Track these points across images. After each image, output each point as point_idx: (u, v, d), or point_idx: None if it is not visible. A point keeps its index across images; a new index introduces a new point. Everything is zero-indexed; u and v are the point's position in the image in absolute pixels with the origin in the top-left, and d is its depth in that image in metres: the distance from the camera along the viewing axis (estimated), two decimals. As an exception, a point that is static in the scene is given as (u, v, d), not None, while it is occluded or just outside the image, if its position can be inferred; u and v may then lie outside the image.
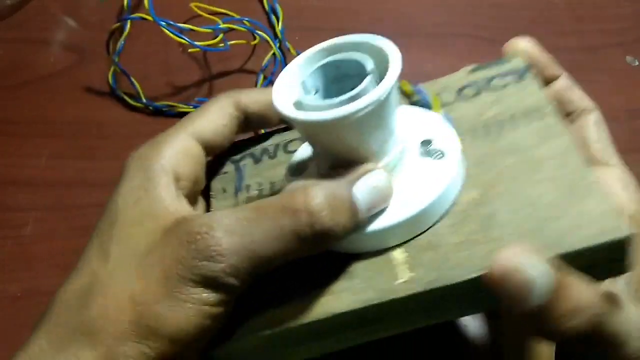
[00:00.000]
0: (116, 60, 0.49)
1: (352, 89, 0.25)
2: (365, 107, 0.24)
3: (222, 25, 0.48)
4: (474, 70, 0.34)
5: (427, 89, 0.33)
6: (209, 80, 0.52)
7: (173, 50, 0.53)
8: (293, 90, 0.26)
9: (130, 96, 0.49)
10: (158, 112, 0.49)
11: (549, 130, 0.28)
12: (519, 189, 0.26)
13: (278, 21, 0.53)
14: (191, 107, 0.49)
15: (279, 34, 0.52)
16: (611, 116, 0.50)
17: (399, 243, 0.25)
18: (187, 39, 0.46)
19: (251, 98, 0.31)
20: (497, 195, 0.26)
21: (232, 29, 0.48)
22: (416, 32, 0.55)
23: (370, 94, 0.24)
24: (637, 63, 0.53)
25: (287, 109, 0.25)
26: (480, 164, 0.27)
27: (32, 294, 0.41)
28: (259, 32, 0.49)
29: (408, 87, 0.33)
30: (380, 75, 0.25)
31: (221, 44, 0.47)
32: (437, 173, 0.26)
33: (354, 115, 0.24)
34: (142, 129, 0.48)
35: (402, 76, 0.51)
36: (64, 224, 0.44)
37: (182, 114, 0.49)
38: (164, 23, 0.45)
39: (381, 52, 0.27)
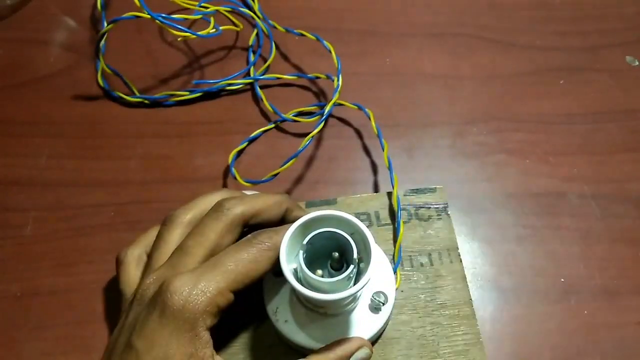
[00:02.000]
0: (100, 59, 0.49)
1: (341, 262, 0.34)
2: (353, 294, 0.31)
3: (209, 10, 0.49)
4: (406, 195, 0.44)
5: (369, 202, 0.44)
6: (200, 66, 0.52)
7: (157, 44, 0.53)
8: (292, 255, 0.33)
9: (125, 94, 0.49)
10: (156, 104, 0.49)
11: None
12: None
13: (254, 1, 0.54)
14: (188, 92, 0.49)
15: (258, 13, 0.53)
16: (610, 116, 0.50)
17: None
18: (184, 28, 0.46)
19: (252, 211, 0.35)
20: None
21: (219, 13, 0.51)
22: (415, 31, 0.55)
23: (359, 283, 0.31)
24: (637, 63, 0.53)
25: (302, 288, 0.31)
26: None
27: (32, 294, 0.41)
28: (243, 10, 0.52)
29: None
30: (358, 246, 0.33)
31: (213, 30, 0.48)
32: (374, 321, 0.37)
33: (345, 299, 0.32)
34: (142, 128, 0.48)
35: (405, 77, 0.52)
36: (63, 224, 0.44)
37: (183, 102, 0.50)
38: (161, 17, 0.45)
39: (359, 230, 0.33)
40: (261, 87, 0.50)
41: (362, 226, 0.33)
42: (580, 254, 0.43)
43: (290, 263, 0.33)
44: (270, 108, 0.48)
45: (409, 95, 0.51)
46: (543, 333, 0.40)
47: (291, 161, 0.42)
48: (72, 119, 0.49)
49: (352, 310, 0.37)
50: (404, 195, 0.44)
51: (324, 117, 0.45)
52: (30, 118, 0.49)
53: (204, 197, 0.38)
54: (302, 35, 0.50)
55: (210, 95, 0.50)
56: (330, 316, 0.36)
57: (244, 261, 0.32)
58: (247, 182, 0.43)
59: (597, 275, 0.42)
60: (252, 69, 0.51)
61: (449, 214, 0.43)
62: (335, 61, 0.47)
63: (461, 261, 0.41)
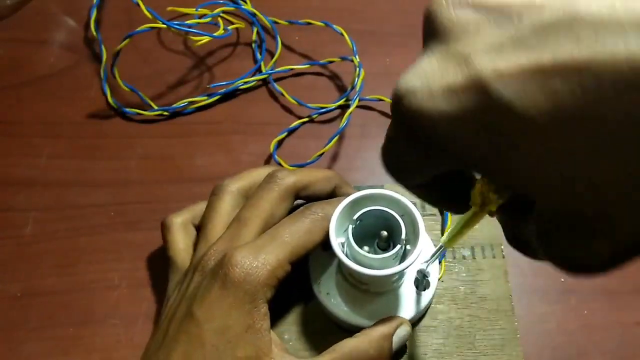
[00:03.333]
0: (117, 77, 0.48)
1: (389, 241, 0.35)
2: (398, 272, 0.33)
3: (216, 11, 0.50)
4: None
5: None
6: (208, 68, 0.52)
7: (157, 53, 0.53)
8: (341, 230, 0.34)
9: (141, 107, 0.49)
10: (176, 114, 0.49)
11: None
12: None
13: (246, 1, 0.54)
14: (206, 97, 0.49)
15: (256, 12, 0.53)
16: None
17: None
18: (206, 33, 0.47)
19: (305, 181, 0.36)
20: None
21: (226, 13, 0.52)
22: (416, 31, 0.54)
23: (405, 262, 0.32)
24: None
25: (348, 261, 0.33)
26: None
27: (32, 294, 0.41)
28: (246, 8, 0.52)
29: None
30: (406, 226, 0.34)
31: (224, 31, 0.49)
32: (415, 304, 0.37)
33: (390, 277, 0.34)
34: (141, 128, 0.48)
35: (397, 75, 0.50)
36: (63, 224, 0.44)
37: (203, 108, 0.49)
38: (177, 25, 0.46)
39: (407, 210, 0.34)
40: (275, 81, 0.50)
41: (414, 208, 0.34)
42: (580, 253, 0.43)
43: (339, 237, 0.34)
44: (293, 100, 0.48)
45: (409, 95, 0.51)
46: (543, 333, 0.40)
47: (334, 139, 0.43)
48: (72, 119, 0.49)
49: (394, 290, 0.37)
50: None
51: (357, 95, 0.46)
52: (30, 118, 0.49)
53: (251, 170, 0.39)
54: (309, 24, 0.50)
55: (226, 96, 0.50)
56: (372, 294, 0.37)
57: (299, 232, 0.33)
58: (292, 165, 0.44)
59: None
60: (262, 64, 0.51)
61: None
62: (349, 42, 0.48)
63: (504, 257, 0.41)
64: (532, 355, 0.39)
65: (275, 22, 0.53)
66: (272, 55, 0.52)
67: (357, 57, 0.48)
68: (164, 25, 0.45)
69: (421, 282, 0.38)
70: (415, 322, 0.38)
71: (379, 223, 0.35)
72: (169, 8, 0.49)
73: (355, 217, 0.34)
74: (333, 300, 0.37)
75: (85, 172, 0.46)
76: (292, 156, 0.46)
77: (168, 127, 0.48)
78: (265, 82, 0.51)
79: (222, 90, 0.49)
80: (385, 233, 0.35)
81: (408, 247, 0.34)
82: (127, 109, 0.48)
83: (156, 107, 0.49)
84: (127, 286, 0.41)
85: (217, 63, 0.52)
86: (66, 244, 0.43)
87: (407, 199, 0.34)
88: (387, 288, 0.37)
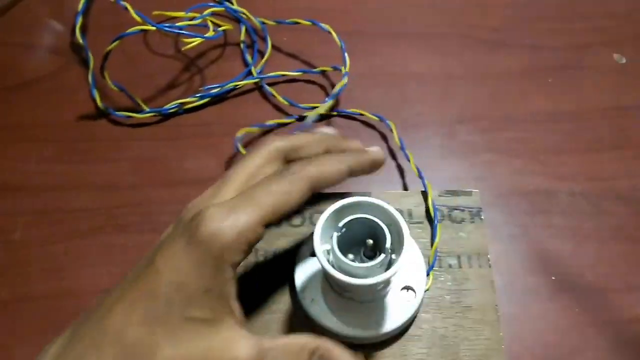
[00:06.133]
0: (107, 77, 0.48)
1: (375, 249, 0.35)
2: (385, 279, 0.32)
3: (206, 12, 0.50)
4: (441, 195, 0.44)
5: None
6: (199, 70, 0.52)
7: (144, 54, 0.53)
8: (326, 236, 0.34)
9: (131, 110, 0.49)
10: (169, 116, 0.49)
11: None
12: None
13: (232, 4, 0.54)
14: (196, 99, 0.49)
15: (245, 11, 0.53)
16: (599, 114, 0.50)
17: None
18: (192, 33, 0.47)
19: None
20: None
21: (214, 14, 0.52)
22: (405, 31, 0.55)
23: (388, 271, 0.32)
24: (624, 61, 0.53)
25: (331, 269, 0.32)
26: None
27: (21, 299, 0.41)
28: (235, 8, 0.52)
29: None
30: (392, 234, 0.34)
31: (213, 32, 0.49)
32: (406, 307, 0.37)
33: (374, 286, 0.32)
34: (131, 131, 0.48)
35: (395, 77, 0.51)
36: (53, 229, 0.43)
37: (193, 110, 0.49)
38: (166, 28, 0.45)
39: (391, 216, 0.34)
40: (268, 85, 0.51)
41: (399, 216, 0.33)
42: (571, 252, 0.43)
43: (324, 244, 0.33)
44: (284, 101, 0.49)
45: (399, 95, 0.51)
46: (535, 331, 0.40)
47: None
48: (60, 123, 0.48)
49: (380, 299, 0.37)
50: (439, 195, 0.44)
51: (337, 92, 0.46)
52: (18, 122, 0.48)
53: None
54: (297, 23, 0.50)
55: (216, 98, 0.50)
56: (357, 302, 0.37)
57: (276, 193, 0.31)
58: None
59: (588, 273, 0.42)
60: (252, 68, 0.51)
61: (482, 218, 0.43)
62: (337, 41, 0.48)
63: (490, 267, 0.41)
64: (524, 355, 0.39)
65: (264, 23, 0.53)
66: (261, 54, 0.52)
67: (346, 55, 0.48)
68: (154, 28, 0.44)
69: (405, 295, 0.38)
70: (401, 331, 0.38)
71: (364, 231, 0.34)
72: (155, 12, 0.49)
73: (340, 224, 0.34)
74: (318, 307, 0.37)
75: (74, 176, 0.46)
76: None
77: (158, 130, 0.48)
78: (256, 84, 0.51)
79: (214, 92, 0.49)
80: (371, 241, 0.34)
81: (393, 255, 0.33)
82: (117, 112, 0.48)
83: (147, 109, 0.48)
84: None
85: (206, 64, 0.52)
86: (56, 248, 0.43)
87: (393, 208, 0.33)
88: (372, 297, 0.37)
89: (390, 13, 0.56)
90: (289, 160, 0.34)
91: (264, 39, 0.53)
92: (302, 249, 0.40)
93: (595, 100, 0.51)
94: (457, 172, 0.47)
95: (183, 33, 0.47)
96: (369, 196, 0.34)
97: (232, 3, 0.54)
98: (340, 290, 0.36)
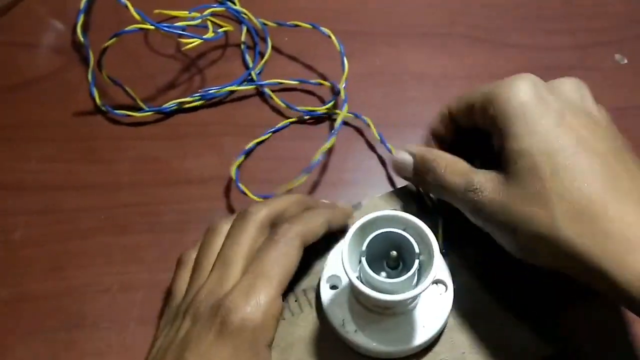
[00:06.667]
0: (104, 74, 0.48)
1: (403, 260, 0.34)
2: (417, 295, 0.32)
3: (206, 12, 0.49)
4: None
5: None
6: (199, 70, 0.52)
7: (145, 54, 0.53)
8: (353, 256, 0.33)
9: (130, 108, 0.49)
10: (169, 114, 0.49)
11: None
12: None
13: (234, 3, 0.54)
14: (196, 98, 0.49)
15: (247, 12, 0.53)
16: (600, 114, 0.50)
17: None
18: (195, 35, 0.47)
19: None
20: None
21: (215, 15, 0.52)
22: (405, 31, 0.55)
23: (421, 285, 0.31)
24: (625, 61, 0.53)
25: (362, 286, 0.31)
26: None
27: (21, 298, 0.41)
28: (236, 8, 0.52)
29: None
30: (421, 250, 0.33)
31: (213, 34, 0.48)
32: (441, 304, 0.36)
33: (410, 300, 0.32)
34: (131, 130, 0.48)
35: (395, 77, 0.51)
36: (54, 228, 0.43)
37: (192, 109, 0.49)
38: (166, 27, 0.45)
39: (421, 232, 0.33)
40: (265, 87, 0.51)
41: (418, 221, 0.33)
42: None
43: (352, 264, 0.32)
44: (282, 104, 0.49)
45: (399, 96, 0.51)
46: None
47: (304, 177, 0.42)
48: (61, 122, 0.48)
49: (410, 312, 0.36)
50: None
51: (334, 131, 0.45)
52: (19, 121, 0.48)
53: (278, 198, 0.38)
54: (297, 26, 0.50)
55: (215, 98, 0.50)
56: (387, 316, 0.36)
57: (279, 261, 0.33)
58: (258, 196, 0.43)
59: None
60: (252, 72, 0.51)
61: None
62: (337, 44, 0.48)
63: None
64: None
65: (265, 24, 0.53)
66: (262, 56, 0.52)
67: (345, 60, 0.48)
68: (152, 27, 0.44)
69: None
70: (429, 345, 0.37)
71: (386, 244, 0.34)
72: (156, 11, 0.49)
73: (364, 246, 0.33)
74: (360, 335, 0.35)
75: (75, 176, 0.46)
76: (279, 158, 0.46)
77: (158, 130, 0.48)
78: (257, 89, 0.51)
79: (212, 94, 0.49)
80: (395, 253, 0.34)
81: (421, 258, 0.33)
82: (116, 110, 0.48)
83: (146, 108, 0.48)
84: (118, 290, 0.41)
85: (207, 65, 0.52)
86: (56, 247, 0.43)
87: (420, 220, 0.33)
88: (404, 309, 0.36)
89: (390, 13, 0.56)
90: (274, 224, 0.36)
91: (264, 40, 0.53)
92: (322, 272, 0.38)
93: (596, 100, 0.51)
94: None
95: (182, 33, 0.47)
96: (360, 207, 0.35)
97: (234, 3, 0.54)
98: (377, 308, 0.35)
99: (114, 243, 0.43)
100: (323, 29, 0.49)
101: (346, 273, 0.31)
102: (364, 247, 0.33)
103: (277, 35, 0.53)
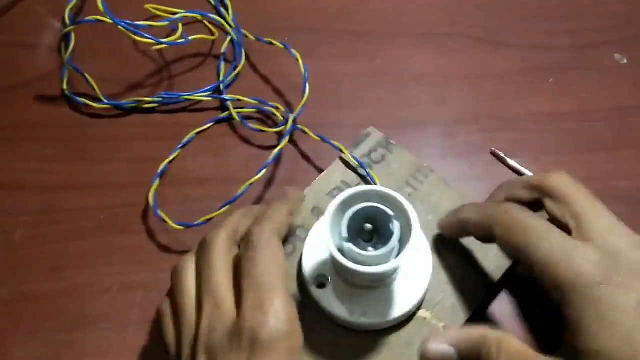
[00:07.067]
0: (64, 59, 0.48)
1: (378, 232, 0.35)
2: (396, 267, 0.34)
3: (178, 16, 0.48)
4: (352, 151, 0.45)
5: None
6: (171, 75, 0.52)
7: (127, 50, 0.52)
8: (334, 229, 0.34)
9: (91, 98, 0.49)
10: (129, 112, 0.49)
11: (440, 185, 0.44)
12: None
13: (227, 11, 0.53)
14: (156, 100, 0.49)
15: (231, 23, 0.52)
16: (601, 114, 0.50)
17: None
18: (149, 36, 0.46)
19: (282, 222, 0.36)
20: None
21: (188, 21, 0.51)
22: (405, 31, 0.55)
23: (397, 258, 0.33)
24: (625, 61, 0.53)
25: (341, 258, 0.33)
26: None
27: (21, 298, 0.41)
28: (212, 16, 0.51)
29: None
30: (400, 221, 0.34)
31: (181, 39, 0.47)
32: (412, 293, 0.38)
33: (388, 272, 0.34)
34: (130, 131, 0.48)
35: (396, 77, 0.51)
36: (53, 228, 0.43)
37: (149, 110, 0.49)
38: (123, 23, 0.44)
39: (400, 206, 0.34)
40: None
41: (406, 202, 0.34)
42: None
43: (333, 236, 0.34)
44: (237, 118, 0.48)
45: (399, 95, 0.51)
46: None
47: (226, 208, 0.42)
48: (61, 122, 0.48)
49: (388, 285, 0.38)
50: (352, 155, 0.45)
51: (269, 162, 0.43)
52: (19, 121, 0.48)
53: (232, 215, 0.37)
54: (271, 44, 0.49)
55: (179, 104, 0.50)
56: (366, 289, 0.37)
57: (269, 265, 0.32)
58: (179, 224, 0.42)
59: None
60: (221, 86, 0.50)
61: (393, 142, 0.46)
62: (302, 69, 0.47)
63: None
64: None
65: (246, 36, 0.52)
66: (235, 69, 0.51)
67: (307, 86, 0.46)
68: (111, 21, 0.44)
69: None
70: (409, 316, 0.38)
71: (363, 218, 0.35)
72: (147, 5, 0.49)
73: (350, 213, 0.34)
74: (327, 295, 0.37)
75: (74, 176, 0.46)
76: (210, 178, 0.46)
77: (157, 130, 0.48)
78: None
79: (171, 100, 0.49)
80: (370, 226, 0.35)
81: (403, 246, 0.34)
82: (78, 98, 0.48)
83: (104, 100, 0.48)
84: (118, 290, 0.41)
85: (183, 70, 0.52)
86: (56, 248, 0.43)
87: (401, 195, 0.34)
88: (381, 283, 0.37)
89: (391, 13, 0.56)
90: (240, 239, 0.35)
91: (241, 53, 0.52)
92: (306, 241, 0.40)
93: (596, 100, 0.51)
94: (457, 172, 0.47)
95: (138, 32, 0.45)
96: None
97: (227, 10, 0.53)
98: (350, 278, 0.37)
99: (114, 243, 0.43)
100: (293, 51, 0.48)
101: (327, 242, 0.33)
102: (349, 214, 0.34)
103: (255, 48, 0.52)
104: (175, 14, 0.49)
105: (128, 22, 0.45)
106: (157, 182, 0.44)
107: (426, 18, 0.56)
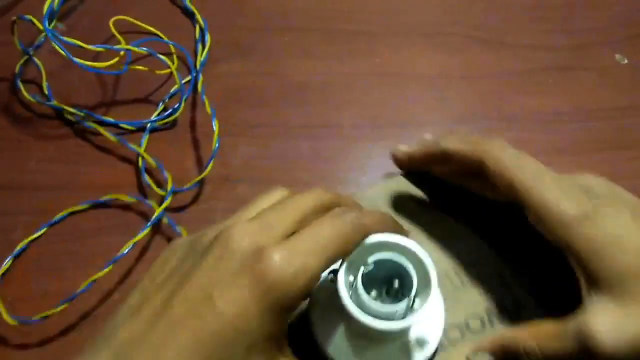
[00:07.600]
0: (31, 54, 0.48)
1: (394, 287, 0.32)
2: (409, 325, 0.30)
3: (125, 47, 0.46)
4: None
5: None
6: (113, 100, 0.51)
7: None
8: (349, 278, 0.31)
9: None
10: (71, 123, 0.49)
11: None
12: None
13: (203, 50, 0.50)
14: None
15: (197, 66, 0.50)
16: (600, 114, 0.50)
17: None
18: (77, 61, 0.43)
19: None
20: None
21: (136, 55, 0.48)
22: (405, 31, 0.55)
23: (414, 314, 0.30)
24: (626, 61, 0.53)
25: (359, 313, 0.29)
26: None
27: (22, 299, 0.41)
28: (161, 57, 0.45)
29: None
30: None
31: (121, 66, 0.46)
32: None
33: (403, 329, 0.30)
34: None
35: (395, 77, 0.51)
36: (53, 228, 0.43)
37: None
38: (58, 42, 0.42)
39: (420, 261, 0.31)
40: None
41: (429, 261, 0.31)
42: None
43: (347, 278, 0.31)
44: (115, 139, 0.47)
45: (399, 95, 0.51)
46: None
47: (109, 267, 0.40)
48: (61, 122, 0.48)
49: (395, 341, 0.34)
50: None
51: (148, 224, 0.41)
52: (19, 121, 0.48)
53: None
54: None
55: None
56: (372, 343, 0.34)
57: (339, 238, 0.29)
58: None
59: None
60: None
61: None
62: (208, 108, 0.45)
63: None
64: None
65: (196, 70, 0.49)
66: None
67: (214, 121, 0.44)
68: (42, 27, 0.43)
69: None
70: None
71: (387, 271, 0.32)
72: (115, 18, 0.48)
73: (370, 261, 0.31)
74: (334, 346, 0.34)
75: (75, 176, 0.46)
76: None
77: (155, 131, 0.48)
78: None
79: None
80: (397, 282, 0.32)
81: (417, 300, 0.31)
82: (26, 94, 0.48)
83: (44, 102, 0.48)
84: (119, 291, 0.41)
85: (144, 93, 0.51)
86: (56, 248, 0.43)
87: (423, 250, 0.31)
88: (388, 340, 0.34)
89: (391, 13, 0.56)
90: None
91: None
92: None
93: (596, 100, 0.51)
94: (457, 172, 0.47)
95: (67, 54, 0.44)
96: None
97: (203, 48, 0.51)
98: (360, 330, 0.33)
99: (114, 243, 0.43)
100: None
101: (338, 284, 0.30)
102: (369, 261, 0.31)
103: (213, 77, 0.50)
104: (148, 35, 0.49)
105: (62, 38, 0.43)
106: (8, 261, 0.42)
107: (426, 18, 0.56)
